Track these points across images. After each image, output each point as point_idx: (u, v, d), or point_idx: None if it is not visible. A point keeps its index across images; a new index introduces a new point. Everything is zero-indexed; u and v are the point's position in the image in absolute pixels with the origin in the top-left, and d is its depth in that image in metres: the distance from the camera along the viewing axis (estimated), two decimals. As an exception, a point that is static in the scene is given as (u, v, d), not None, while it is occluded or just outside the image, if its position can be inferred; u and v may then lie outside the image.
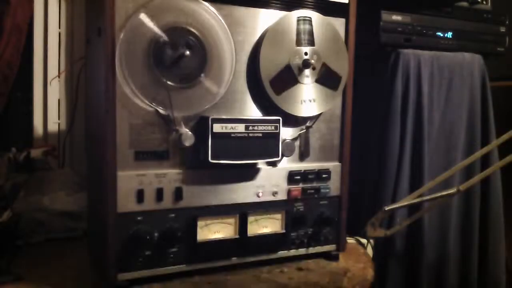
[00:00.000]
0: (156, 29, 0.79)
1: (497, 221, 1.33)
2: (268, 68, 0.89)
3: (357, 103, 1.02)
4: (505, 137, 0.94)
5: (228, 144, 0.85)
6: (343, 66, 0.96)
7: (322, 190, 0.98)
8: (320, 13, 0.93)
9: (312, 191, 0.97)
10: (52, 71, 1.41)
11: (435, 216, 1.26)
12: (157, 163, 0.83)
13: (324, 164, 0.98)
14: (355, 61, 0.99)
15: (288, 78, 0.91)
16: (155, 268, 0.84)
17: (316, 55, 0.92)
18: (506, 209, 1.35)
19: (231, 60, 0.87)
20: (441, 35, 1.27)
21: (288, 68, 0.90)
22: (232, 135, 0.85)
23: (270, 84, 0.89)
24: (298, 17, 0.90)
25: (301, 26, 0.91)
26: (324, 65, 0.93)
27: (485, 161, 1.28)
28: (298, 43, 0.91)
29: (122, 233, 0.81)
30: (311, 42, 0.92)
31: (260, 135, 0.88)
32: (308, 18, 0.91)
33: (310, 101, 0.93)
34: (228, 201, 0.89)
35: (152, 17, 0.79)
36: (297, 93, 0.92)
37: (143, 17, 0.78)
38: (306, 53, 0.91)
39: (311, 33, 0.92)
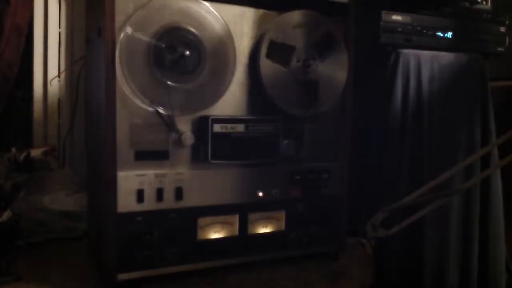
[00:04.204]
0: (146, 39, 0.79)
1: (497, 221, 1.33)
2: (269, 69, 0.89)
3: (357, 103, 1.02)
4: (505, 137, 0.94)
5: (228, 144, 0.85)
6: (343, 65, 0.96)
7: (322, 190, 0.98)
8: (320, 13, 0.93)
9: (312, 191, 0.97)
10: (52, 71, 1.41)
11: (435, 216, 1.26)
12: (157, 163, 0.83)
13: (324, 164, 0.98)
14: (355, 61, 0.99)
15: (289, 79, 0.91)
16: (155, 268, 0.84)
17: (315, 54, 0.92)
18: (506, 209, 1.35)
19: (231, 60, 0.87)
20: (441, 35, 1.27)
21: (288, 70, 0.90)
22: (232, 135, 0.85)
23: (271, 87, 0.89)
24: (296, 17, 0.89)
25: (299, 26, 0.90)
26: (323, 62, 0.93)
27: (486, 160, 1.28)
28: (298, 43, 0.90)
29: (122, 233, 0.81)
30: (309, 42, 0.91)
31: (260, 135, 0.88)
32: (305, 18, 0.90)
33: (311, 100, 0.93)
34: (228, 201, 0.89)
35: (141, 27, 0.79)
36: (298, 93, 0.92)
37: (129, 30, 0.78)
38: (305, 53, 0.91)
39: (309, 33, 0.91)
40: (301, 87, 0.92)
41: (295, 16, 0.91)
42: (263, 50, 0.88)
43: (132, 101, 0.81)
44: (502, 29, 1.35)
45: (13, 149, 1.26)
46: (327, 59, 0.94)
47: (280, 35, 0.89)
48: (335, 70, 0.95)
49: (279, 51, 0.89)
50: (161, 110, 0.82)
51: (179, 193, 0.85)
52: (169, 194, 0.84)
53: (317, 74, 0.93)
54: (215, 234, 0.88)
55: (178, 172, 0.85)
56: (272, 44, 0.88)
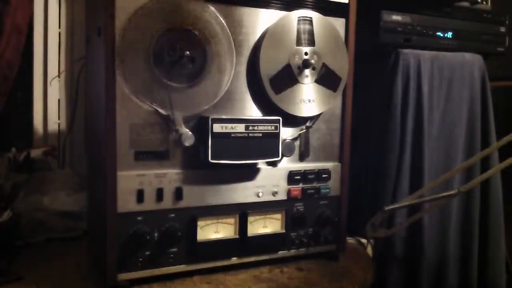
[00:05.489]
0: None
1: (497, 221, 1.33)
2: (268, 68, 0.89)
3: (357, 103, 1.02)
4: (505, 140, 0.94)
5: (228, 144, 0.85)
6: (343, 67, 0.96)
7: (322, 190, 0.98)
8: (320, 13, 0.93)
9: (312, 191, 0.97)
10: (52, 71, 1.41)
11: (435, 216, 1.26)
12: (157, 163, 0.83)
13: (324, 164, 0.98)
14: (355, 61, 0.99)
15: (288, 77, 0.91)
16: (155, 268, 0.84)
17: (316, 55, 0.92)
18: (506, 209, 1.35)
19: (231, 60, 0.87)
20: (441, 35, 1.27)
21: (288, 68, 0.90)
22: (232, 135, 0.85)
23: (270, 83, 0.89)
24: (299, 17, 0.90)
25: (302, 26, 0.91)
26: (324, 65, 0.93)
27: (486, 161, 1.28)
28: (299, 43, 0.91)
29: (122, 233, 0.81)
30: (312, 42, 0.92)
31: (260, 135, 0.88)
32: (308, 18, 0.91)
33: (310, 101, 0.93)
34: (228, 201, 0.89)
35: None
36: (296, 93, 0.92)
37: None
38: (306, 53, 0.91)
39: (311, 33, 0.92)
40: (301, 86, 0.92)
41: (298, 15, 0.91)
42: (265, 43, 0.88)
43: (132, 101, 0.81)
44: (502, 29, 1.35)
45: (13, 149, 1.26)
46: (328, 59, 0.94)
47: (282, 34, 0.89)
48: (335, 71, 0.95)
49: (280, 47, 0.90)
50: (161, 110, 0.82)
51: (179, 193, 0.85)
52: (169, 194, 0.84)
53: (316, 74, 0.93)
54: (215, 234, 0.88)
55: (178, 172, 0.85)
56: (274, 33, 0.89)
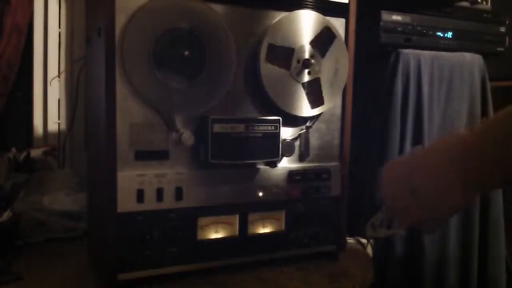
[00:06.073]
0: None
1: (497, 221, 1.33)
2: (268, 69, 0.89)
3: (357, 103, 1.02)
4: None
5: (228, 144, 0.85)
6: (342, 62, 0.96)
7: (322, 190, 0.98)
8: (320, 13, 0.93)
9: (312, 191, 0.97)
10: (52, 71, 1.42)
11: (435, 216, 1.26)
12: (157, 163, 0.83)
13: (324, 164, 0.98)
14: (355, 61, 0.99)
15: (289, 80, 0.91)
16: (155, 268, 0.84)
17: (305, 49, 0.92)
18: (506, 209, 1.35)
19: (231, 60, 0.87)
20: (441, 35, 1.27)
21: (288, 72, 0.90)
22: (232, 135, 0.85)
23: (272, 88, 0.89)
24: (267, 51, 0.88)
25: (274, 51, 0.89)
26: (311, 44, 0.92)
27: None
28: (285, 64, 0.91)
29: (122, 233, 0.81)
30: (291, 50, 0.91)
31: (260, 135, 0.88)
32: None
33: (333, 79, 0.94)
34: (228, 201, 0.89)
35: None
36: (298, 94, 0.92)
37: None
38: (298, 61, 0.91)
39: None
40: (302, 87, 0.92)
41: (293, 17, 0.91)
42: (263, 53, 0.88)
43: (132, 101, 0.81)
44: (502, 29, 1.35)
45: (13, 149, 1.26)
46: (327, 55, 0.93)
47: (279, 37, 0.89)
48: (335, 67, 0.95)
49: (279, 54, 0.89)
50: (161, 110, 0.82)
51: (179, 193, 0.85)
52: (169, 194, 0.84)
53: (317, 74, 0.93)
54: (215, 234, 0.88)
55: (178, 172, 0.85)
56: (271, 47, 0.88)
